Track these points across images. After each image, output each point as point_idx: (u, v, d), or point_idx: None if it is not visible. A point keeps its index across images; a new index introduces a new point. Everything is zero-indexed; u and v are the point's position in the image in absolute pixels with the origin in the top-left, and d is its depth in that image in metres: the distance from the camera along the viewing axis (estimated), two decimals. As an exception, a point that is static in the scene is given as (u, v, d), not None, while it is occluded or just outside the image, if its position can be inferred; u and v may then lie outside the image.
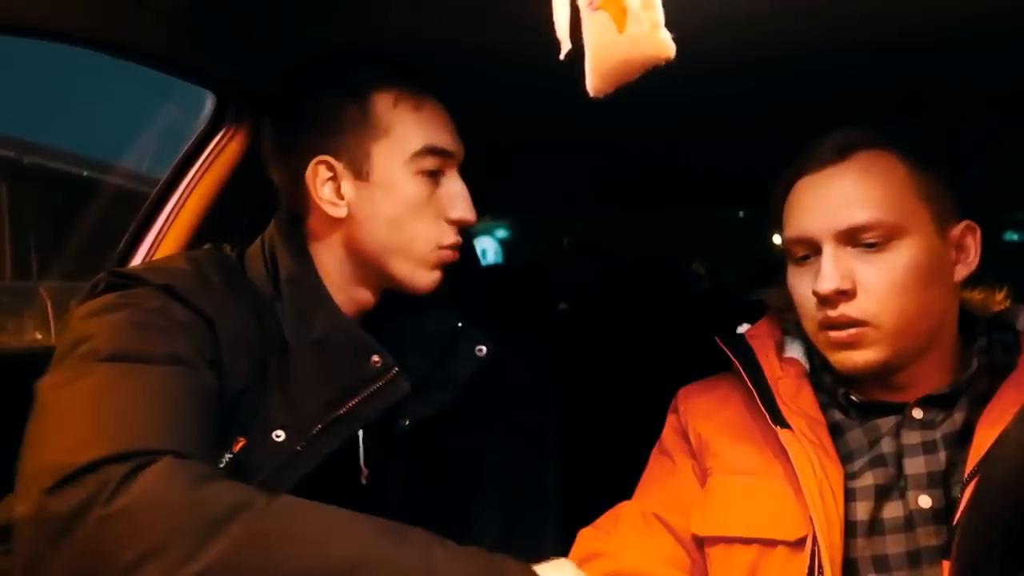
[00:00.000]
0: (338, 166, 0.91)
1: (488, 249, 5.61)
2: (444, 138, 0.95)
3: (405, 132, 0.92)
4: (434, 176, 0.94)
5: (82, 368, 0.74)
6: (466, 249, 1.54)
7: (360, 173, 0.91)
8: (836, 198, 0.88)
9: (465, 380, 0.99)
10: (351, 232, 0.93)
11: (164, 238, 1.21)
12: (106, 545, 0.62)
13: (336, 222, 0.93)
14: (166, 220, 1.21)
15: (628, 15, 0.59)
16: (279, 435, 0.83)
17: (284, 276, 0.91)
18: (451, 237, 0.96)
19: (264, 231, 0.98)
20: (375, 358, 0.88)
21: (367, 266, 0.94)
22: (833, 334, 0.88)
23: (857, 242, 0.87)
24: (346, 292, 0.95)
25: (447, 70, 0.98)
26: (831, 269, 0.86)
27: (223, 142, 1.21)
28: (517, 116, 1.41)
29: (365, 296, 0.97)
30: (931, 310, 0.88)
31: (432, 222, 0.94)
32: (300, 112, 0.94)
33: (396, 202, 0.92)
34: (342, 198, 0.92)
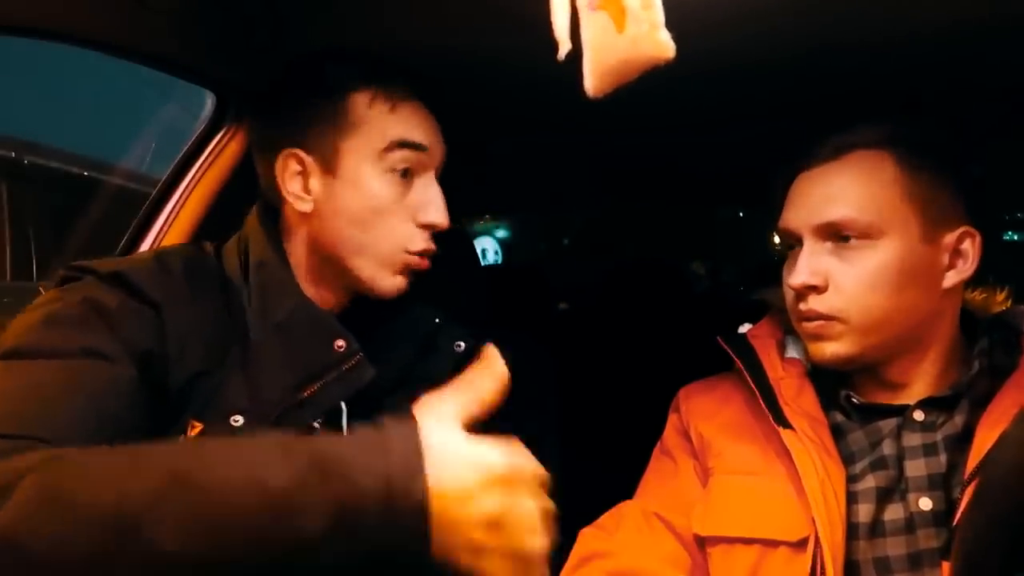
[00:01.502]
0: (308, 160, 0.90)
1: (488, 249, 5.62)
2: (417, 133, 0.92)
3: (375, 128, 0.90)
4: (406, 176, 0.91)
5: None
6: (466, 249, 1.55)
7: (328, 168, 0.90)
8: (819, 194, 0.90)
9: (445, 376, 0.98)
10: (316, 228, 0.91)
11: (164, 238, 1.20)
12: None
13: (303, 216, 0.91)
14: (166, 220, 1.21)
15: (628, 15, 0.59)
16: (237, 420, 0.81)
17: (253, 262, 0.90)
18: (420, 243, 0.92)
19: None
20: (339, 342, 0.85)
21: (331, 264, 0.92)
22: (805, 325, 0.91)
23: (834, 238, 0.89)
24: (314, 288, 0.94)
25: (446, 70, 0.98)
26: (803, 264, 0.89)
27: (223, 142, 1.21)
28: (517, 116, 1.41)
29: (329, 296, 0.95)
30: (909, 311, 0.88)
31: (399, 224, 0.91)
32: (276, 106, 0.93)
33: (362, 199, 0.89)
34: (309, 193, 0.90)
